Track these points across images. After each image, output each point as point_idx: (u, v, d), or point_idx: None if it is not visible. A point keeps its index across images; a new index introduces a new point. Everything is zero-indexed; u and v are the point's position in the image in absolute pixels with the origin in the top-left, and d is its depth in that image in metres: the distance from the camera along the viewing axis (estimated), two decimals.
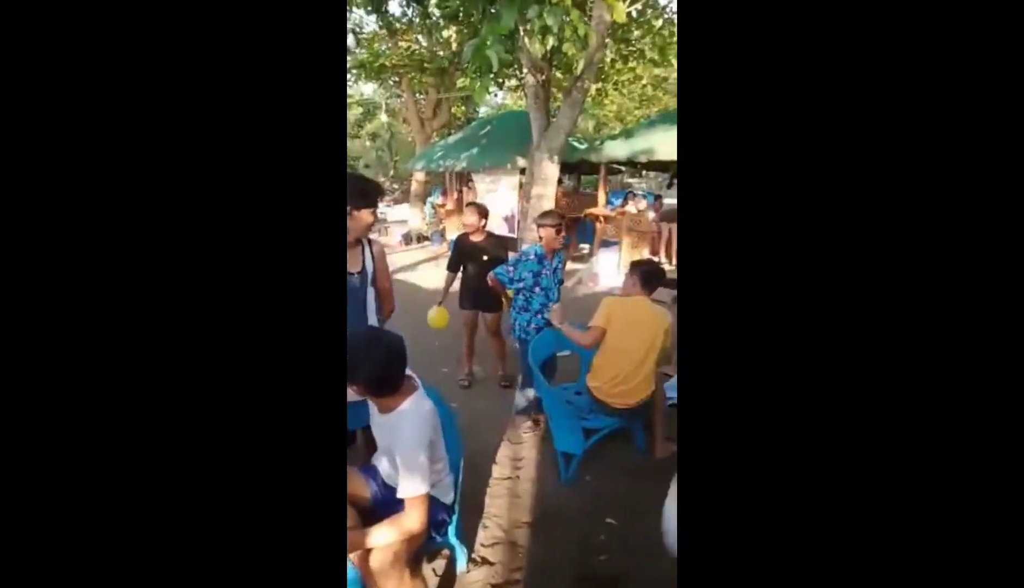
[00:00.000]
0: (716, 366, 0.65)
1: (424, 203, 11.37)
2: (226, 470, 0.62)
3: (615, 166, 9.15)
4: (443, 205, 10.20)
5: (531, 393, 2.86)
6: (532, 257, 2.87)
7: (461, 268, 3.43)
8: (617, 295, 2.41)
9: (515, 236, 6.93)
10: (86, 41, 0.59)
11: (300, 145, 0.65)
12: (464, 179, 9.64)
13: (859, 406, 0.61)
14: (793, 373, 0.63)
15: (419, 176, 11.17)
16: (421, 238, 10.46)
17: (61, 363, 0.58)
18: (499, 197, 7.98)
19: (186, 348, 0.61)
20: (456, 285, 3.38)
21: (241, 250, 0.63)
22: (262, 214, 0.64)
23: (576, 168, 9.96)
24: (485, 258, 3.25)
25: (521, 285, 2.91)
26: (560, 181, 8.15)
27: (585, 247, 8.62)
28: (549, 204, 4.58)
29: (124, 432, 0.60)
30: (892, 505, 0.59)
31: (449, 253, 3.60)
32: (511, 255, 3.18)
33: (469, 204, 3.43)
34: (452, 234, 9.03)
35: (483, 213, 3.36)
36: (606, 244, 7.32)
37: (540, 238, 2.93)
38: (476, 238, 3.34)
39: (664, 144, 6.07)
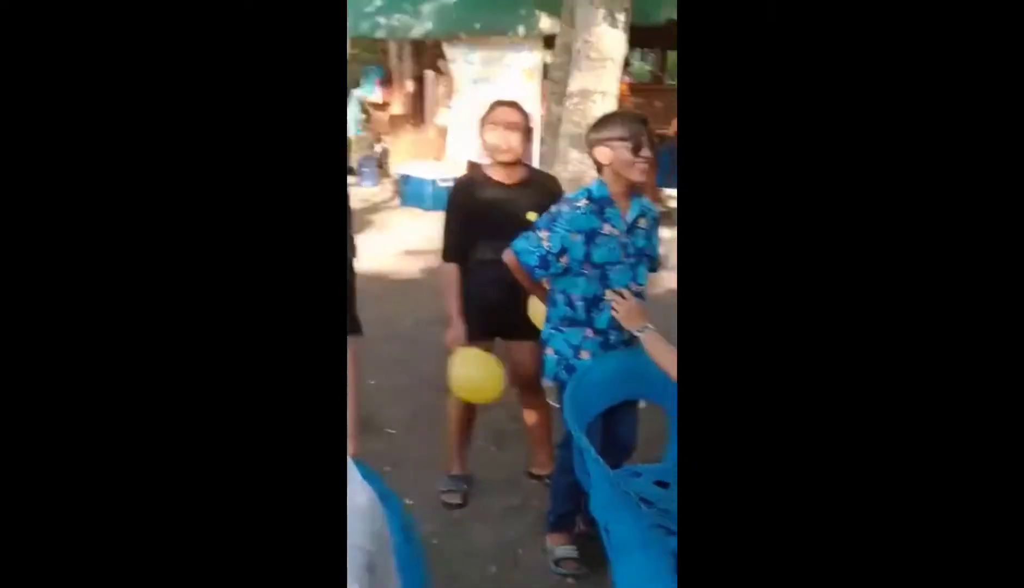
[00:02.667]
0: (716, 367, 0.79)
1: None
2: (226, 469, 0.75)
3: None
4: (382, 105, 7.38)
5: (573, 489, 1.86)
6: (584, 204, 1.77)
7: (469, 248, 2.03)
8: None
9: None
10: (82, 32, 0.73)
11: (298, 135, 0.80)
12: (428, 52, 6.88)
13: (865, 411, 0.74)
14: (794, 375, 0.76)
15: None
16: None
17: (58, 359, 0.72)
18: (500, 93, 5.22)
19: (179, 345, 0.75)
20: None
21: (235, 244, 0.77)
22: (255, 207, 0.77)
23: (659, 39, 7.06)
24: (530, 221, 1.87)
25: (563, 265, 1.79)
26: (626, 64, 5.50)
27: (670, 193, 5.95)
28: (605, 107, 3.01)
29: (120, 428, 0.74)
30: (893, 506, 0.73)
31: (406, 203, 2.47)
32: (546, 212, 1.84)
33: (498, 104, 2.02)
34: (403, 164, 6.39)
35: (523, 123, 2.00)
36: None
37: (598, 167, 1.82)
38: (504, 179, 2.01)
39: None
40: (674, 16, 5.58)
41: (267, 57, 0.78)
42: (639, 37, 6.16)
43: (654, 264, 1.99)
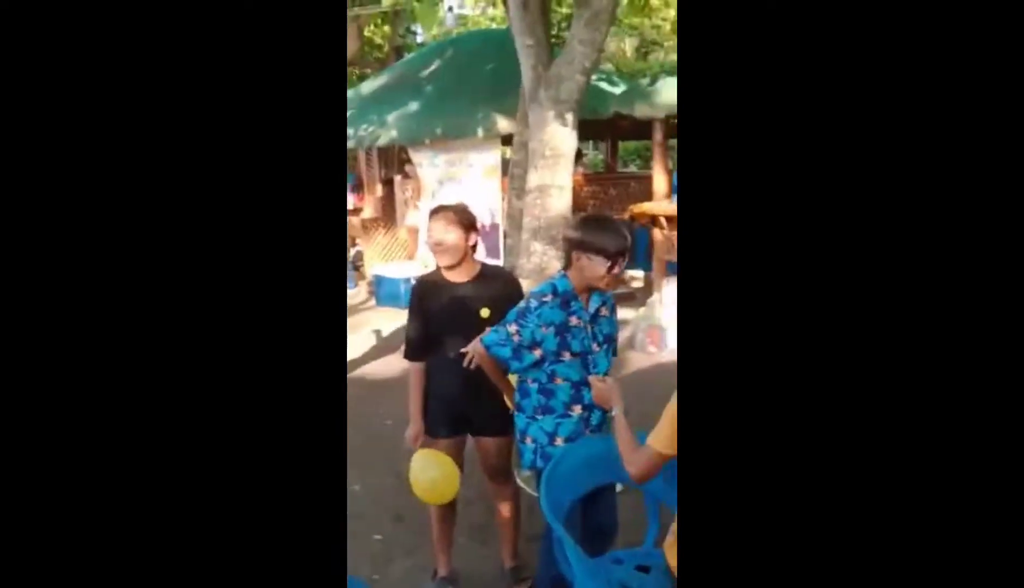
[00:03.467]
0: (717, 369, 0.80)
1: None
2: (224, 469, 0.79)
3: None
4: (354, 210, 7.46)
5: (555, 576, 1.83)
6: (550, 298, 1.85)
7: (431, 347, 2.09)
8: None
9: (498, 261, 5.04)
10: (84, 33, 0.75)
11: (298, 137, 0.83)
12: (396, 158, 7.23)
13: (866, 412, 0.74)
14: (795, 377, 0.76)
15: None
16: None
17: (59, 359, 0.74)
18: (464, 191, 5.57)
19: (177, 345, 0.78)
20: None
21: (233, 247, 0.80)
22: (256, 210, 0.81)
23: (609, 130, 7.55)
24: (484, 318, 2.01)
25: (537, 357, 1.86)
26: (579, 156, 5.19)
27: (635, 275, 6.09)
28: (562, 200, 3.16)
29: (119, 426, 0.76)
30: (894, 508, 0.73)
31: (381, 303, 2.53)
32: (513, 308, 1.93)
33: (439, 210, 2.10)
34: (377, 266, 6.58)
35: (467, 222, 2.08)
36: (673, 268, 5.07)
37: (564, 268, 1.91)
38: (456, 278, 2.10)
39: None
40: (621, 110, 5.94)
41: (265, 59, 0.82)
42: (589, 130, 6.50)
43: (615, 350, 2.09)
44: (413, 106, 6.29)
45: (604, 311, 1.98)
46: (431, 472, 2.02)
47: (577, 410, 1.91)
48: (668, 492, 1.92)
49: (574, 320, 1.89)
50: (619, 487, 2.36)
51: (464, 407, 2.09)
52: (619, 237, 1.84)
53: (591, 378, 1.87)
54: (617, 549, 2.03)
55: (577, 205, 4.41)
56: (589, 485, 1.90)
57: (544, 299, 1.88)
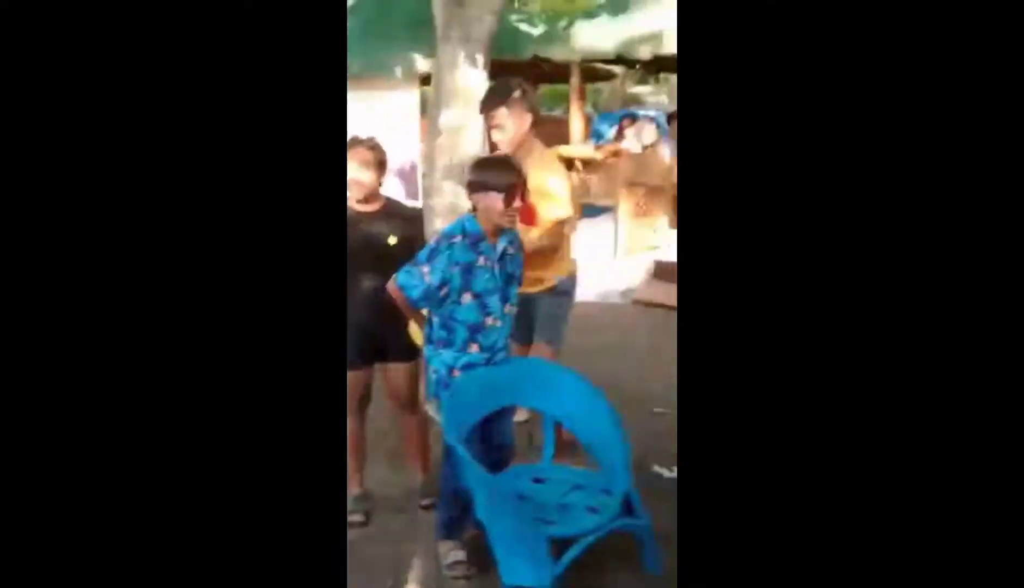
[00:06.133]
0: (717, 370, 0.79)
1: None
2: (225, 468, 0.80)
3: (599, 66, 6.82)
4: None
5: (456, 496, 1.99)
6: (459, 239, 1.98)
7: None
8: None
9: (416, 203, 5.34)
10: (85, 37, 0.76)
11: (299, 131, 0.85)
12: None
13: (866, 413, 0.74)
14: (797, 379, 0.76)
15: None
16: None
17: (60, 358, 0.75)
18: (383, 132, 6.18)
19: (180, 344, 0.79)
20: None
21: (236, 245, 0.82)
22: (258, 207, 0.82)
23: (526, 72, 7.71)
24: (390, 246, 2.18)
25: (443, 294, 1.99)
26: (496, 93, 6.39)
27: None
28: (473, 141, 3.50)
29: (121, 425, 0.77)
30: (892, 507, 0.74)
31: None
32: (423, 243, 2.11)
33: (352, 144, 2.20)
34: None
35: (377, 159, 2.21)
36: (590, 212, 5.20)
37: (472, 208, 2.02)
38: (364, 208, 2.23)
39: None
40: (540, 52, 5.93)
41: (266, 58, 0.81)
42: (508, 72, 6.49)
43: (519, 280, 2.22)
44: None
45: (510, 250, 2.10)
46: None
47: (475, 348, 2.04)
48: (564, 414, 2.11)
49: (482, 260, 2.00)
50: (520, 416, 2.54)
51: (376, 336, 2.20)
52: (508, 172, 1.98)
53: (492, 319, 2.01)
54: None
55: (495, 147, 4.46)
56: (487, 409, 2.05)
57: (453, 239, 1.99)
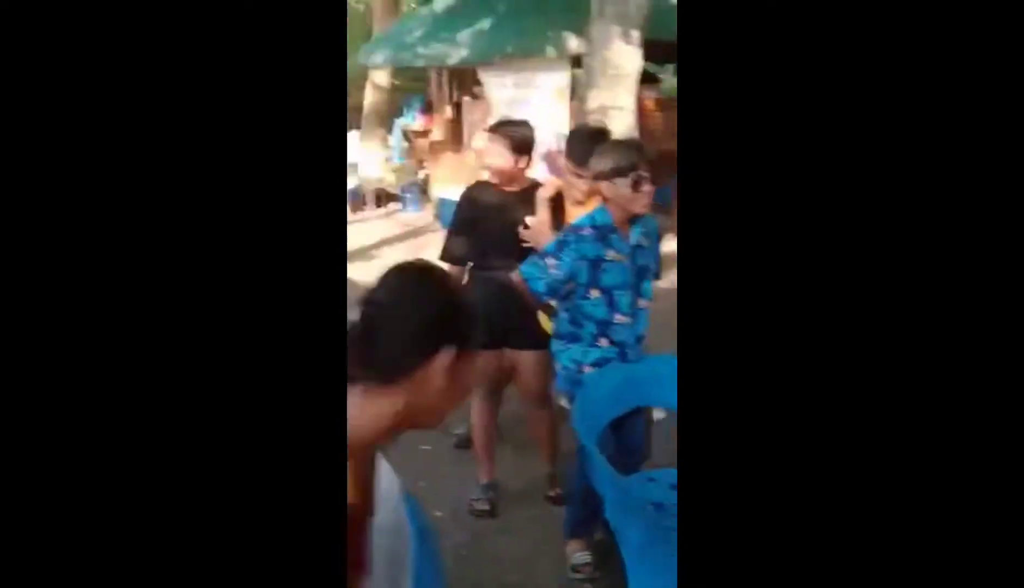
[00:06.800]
0: (717, 371, 0.79)
1: (389, 128, 7.99)
2: (224, 467, 0.78)
3: None
4: (424, 132, 7.45)
5: (587, 496, 1.91)
6: (588, 232, 1.86)
7: (475, 255, 2.18)
8: None
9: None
10: (83, 38, 0.76)
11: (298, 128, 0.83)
12: (465, 80, 7.04)
13: (869, 412, 0.74)
14: (799, 379, 0.76)
15: (379, 78, 7.78)
16: (385, 198, 7.42)
17: (52, 361, 0.74)
18: (533, 113, 4.94)
19: (181, 345, 0.78)
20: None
21: (236, 243, 0.80)
22: (258, 204, 0.80)
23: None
24: (528, 229, 2.06)
25: (570, 289, 1.89)
26: (654, 79, 5.50)
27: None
28: (623, 122, 3.11)
29: (120, 425, 0.76)
30: (892, 505, 0.73)
31: (444, 225, 2.53)
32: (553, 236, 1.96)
33: (498, 128, 2.17)
34: (443, 189, 6.16)
35: (522, 143, 2.13)
36: None
37: (603, 197, 1.90)
38: (506, 187, 2.15)
39: None
40: None
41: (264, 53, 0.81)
42: (666, 53, 6.16)
43: (657, 273, 2.09)
44: (485, 24, 6.12)
45: (645, 242, 1.97)
46: None
47: (604, 343, 1.94)
48: None
49: (611, 254, 1.89)
50: (659, 414, 2.38)
51: (503, 320, 2.13)
52: (626, 151, 1.87)
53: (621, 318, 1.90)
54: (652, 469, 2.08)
55: (647, 131, 4.23)
56: (621, 409, 1.95)
57: (582, 232, 1.88)
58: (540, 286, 1.90)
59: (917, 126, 0.74)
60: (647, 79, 4.79)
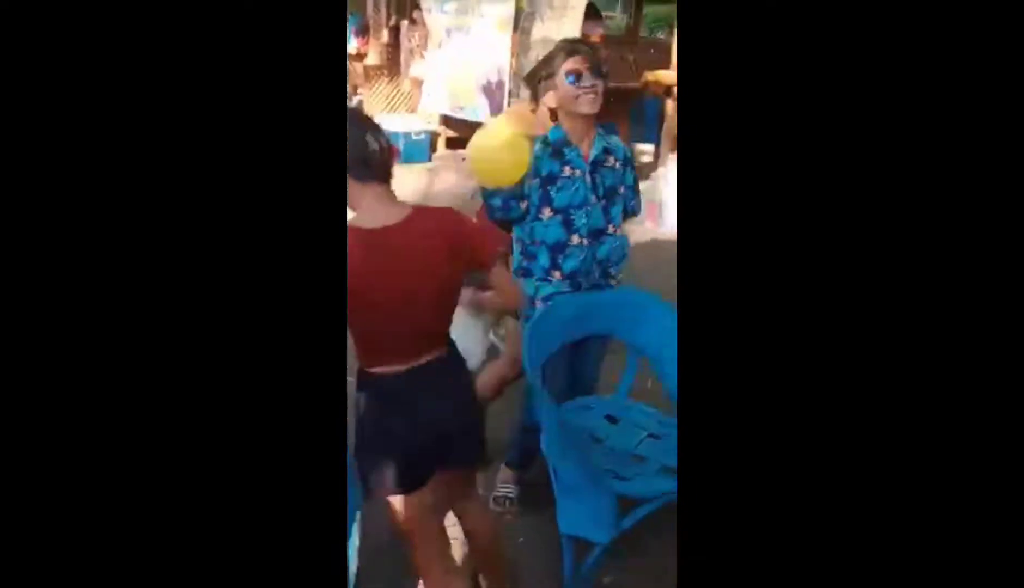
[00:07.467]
0: (717, 371, 0.78)
1: None
2: (224, 466, 0.78)
3: None
4: (358, 55, 7.17)
5: (528, 428, 1.92)
6: (538, 147, 1.74)
7: None
8: None
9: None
10: (81, 32, 0.74)
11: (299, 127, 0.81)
12: (404, 3, 6.87)
13: (870, 411, 0.73)
14: (799, 379, 0.75)
15: None
16: None
17: (58, 358, 0.74)
18: (474, 42, 5.56)
19: (181, 344, 0.77)
20: None
21: (236, 243, 0.78)
22: (257, 205, 0.79)
23: None
24: None
25: (524, 209, 1.77)
26: (599, 15, 5.25)
27: (645, 148, 5.97)
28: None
29: (121, 425, 0.76)
30: (891, 504, 0.73)
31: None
32: None
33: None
34: (376, 118, 6.56)
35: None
36: None
37: (551, 114, 1.78)
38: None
39: None
40: None
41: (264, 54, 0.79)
42: None
43: (633, 205, 1.93)
44: None
45: (610, 161, 1.81)
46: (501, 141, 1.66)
47: (556, 276, 1.83)
48: (652, 349, 1.98)
49: (567, 170, 1.76)
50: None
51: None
52: (566, 49, 1.70)
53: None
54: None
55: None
56: (573, 336, 1.91)
57: (535, 148, 1.75)
58: (496, 201, 1.75)
59: (913, 122, 0.73)
60: (593, 15, 4.71)
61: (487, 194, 1.79)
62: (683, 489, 0.82)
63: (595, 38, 5.62)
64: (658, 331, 1.91)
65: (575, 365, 1.95)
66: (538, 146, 1.77)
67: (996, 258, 0.71)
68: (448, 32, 5.80)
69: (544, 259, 1.83)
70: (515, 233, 1.90)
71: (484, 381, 2.08)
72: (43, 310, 0.74)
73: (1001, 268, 0.71)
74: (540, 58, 3.02)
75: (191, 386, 0.77)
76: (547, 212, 1.78)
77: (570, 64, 1.68)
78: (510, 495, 2.04)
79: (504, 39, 5.46)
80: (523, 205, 1.79)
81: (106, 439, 0.75)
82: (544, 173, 1.76)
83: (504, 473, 2.07)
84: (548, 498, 1.75)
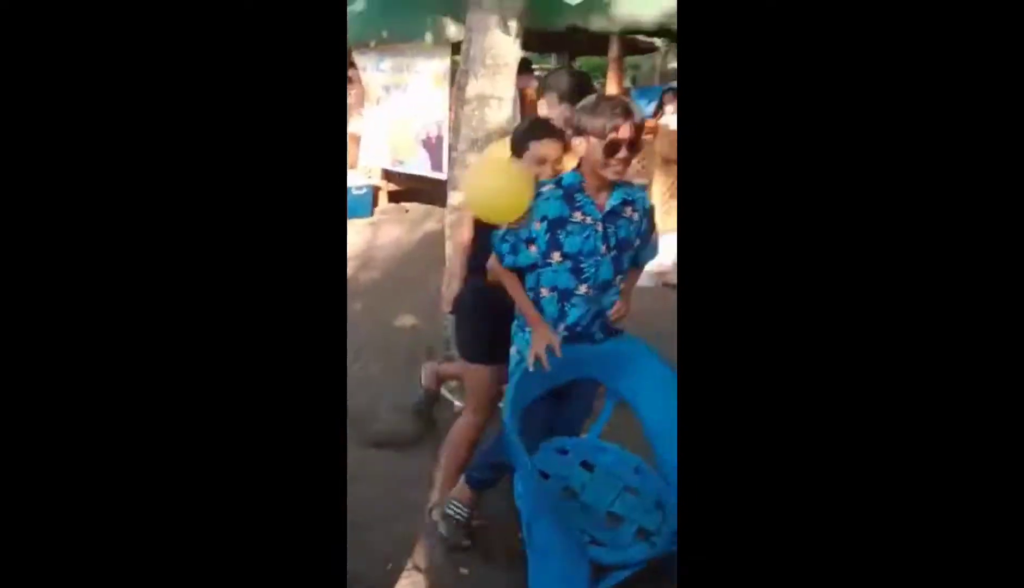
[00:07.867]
0: (717, 370, 0.79)
1: None
2: (223, 465, 0.78)
3: (639, 39, 6.53)
4: None
5: (498, 466, 1.85)
6: (550, 189, 1.69)
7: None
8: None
9: (441, 175, 5.06)
10: (82, 30, 0.75)
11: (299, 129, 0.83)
12: None
13: (870, 411, 0.74)
14: (800, 378, 0.76)
15: None
16: None
17: (59, 358, 0.74)
18: (411, 99, 5.62)
19: (182, 341, 0.77)
20: None
21: (237, 241, 0.79)
22: (260, 204, 0.80)
23: (562, 45, 7.38)
24: None
25: (534, 254, 1.70)
26: (528, 69, 5.34)
27: None
28: (501, 112, 2.98)
29: (119, 424, 0.76)
30: (892, 507, 0.73)
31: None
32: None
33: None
34: None
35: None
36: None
37: (542, 160, 1.76)
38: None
39: None
40: (576, 22, 5.70)
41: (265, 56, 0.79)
42: (545, 43, 6.17)
43: (643, 254, 1.88)
44: (358, 6, 5.90)
45: (628, 211, 1.75)
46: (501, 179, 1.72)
47: (560, 329, 1.74)
48: (629, 390, 1.91)
49: (577, 216, 1.70)
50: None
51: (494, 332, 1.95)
52: (609, 115, 1.62)
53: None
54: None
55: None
56: (556, 381, 1.83)
57: (542, 191, 1.70)
58: (504, 247, 1.70)
59: (912, 122, 0.74)
60: (526, 70, 4.82)
61: (497, 239, 1.74)
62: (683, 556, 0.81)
63: (529, 90, 5.76)
64: (646, 379, 1.86)
65: (561, 410, 1.89)
66: (550, 187, 1.72)
67: (996, 258, 0.71)
68: (387, 89, 5.84)
69: (552, 308, 1.76)
70: (527, 280, 1.80)
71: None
72: (39, 303, 0.74)
73: (1001, 268, 0.70)
74: (476, 113, 2.95)
75: (191, 386, 0.78)
76: (556, 256, 1.72)
77: (615, 134, 1.62)
78: (460, 517, 1.92)
79: (441, 94, 5.52)
80: (532, 250, 1.72)
81: (107, 434, 0.75)
82: (553, 216, 1.70)
83: (462, 490, 1.94)
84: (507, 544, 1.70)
